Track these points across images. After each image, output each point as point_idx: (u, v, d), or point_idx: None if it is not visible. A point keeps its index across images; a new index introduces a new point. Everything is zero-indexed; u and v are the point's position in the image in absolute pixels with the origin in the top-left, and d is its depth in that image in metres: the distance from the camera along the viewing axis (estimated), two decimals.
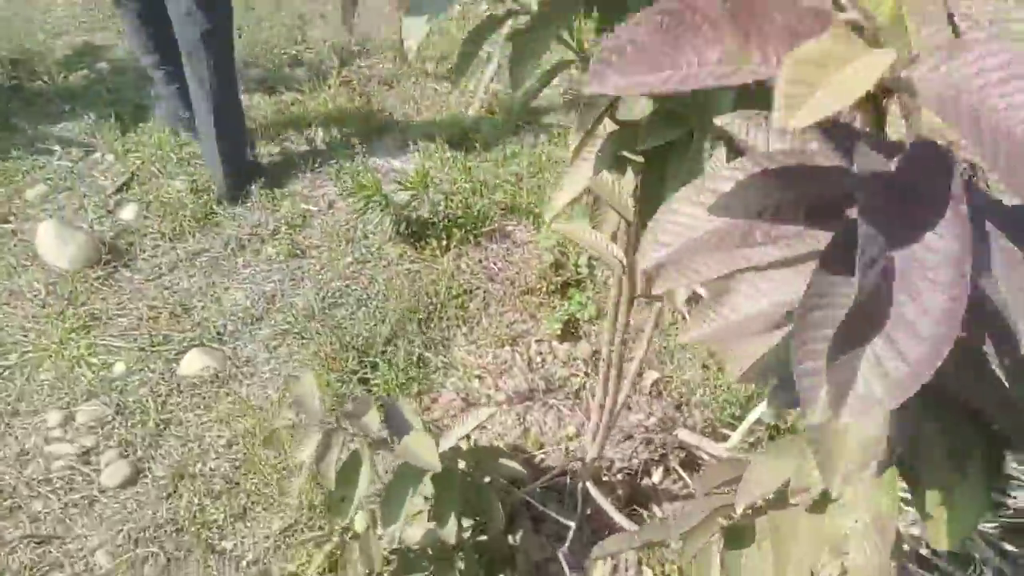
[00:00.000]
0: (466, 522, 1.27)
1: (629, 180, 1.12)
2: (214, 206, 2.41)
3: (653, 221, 0.45)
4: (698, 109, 0.78)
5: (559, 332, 2.01)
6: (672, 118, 0.83)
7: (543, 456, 1.68)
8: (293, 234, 2.35)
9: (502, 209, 2.45)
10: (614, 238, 1.20)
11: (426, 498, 1.19)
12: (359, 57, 3.32)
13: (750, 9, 0.32)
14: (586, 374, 1.90)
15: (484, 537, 1.36)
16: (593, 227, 1.23)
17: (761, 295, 0.52)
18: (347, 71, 3.25)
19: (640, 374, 1.74)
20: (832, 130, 0.41)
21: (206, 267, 2.21)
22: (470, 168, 2.58)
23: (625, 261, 1.16)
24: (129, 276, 2.16)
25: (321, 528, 1.45)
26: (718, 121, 0.52)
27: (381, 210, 2.29)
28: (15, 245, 2.20)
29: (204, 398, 1.83)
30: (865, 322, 0.32)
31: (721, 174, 0.43)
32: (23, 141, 2.63)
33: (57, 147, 2.62)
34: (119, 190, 2.45)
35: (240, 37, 3.47)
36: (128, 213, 2.36)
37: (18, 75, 3.03)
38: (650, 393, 1.82)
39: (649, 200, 0.90)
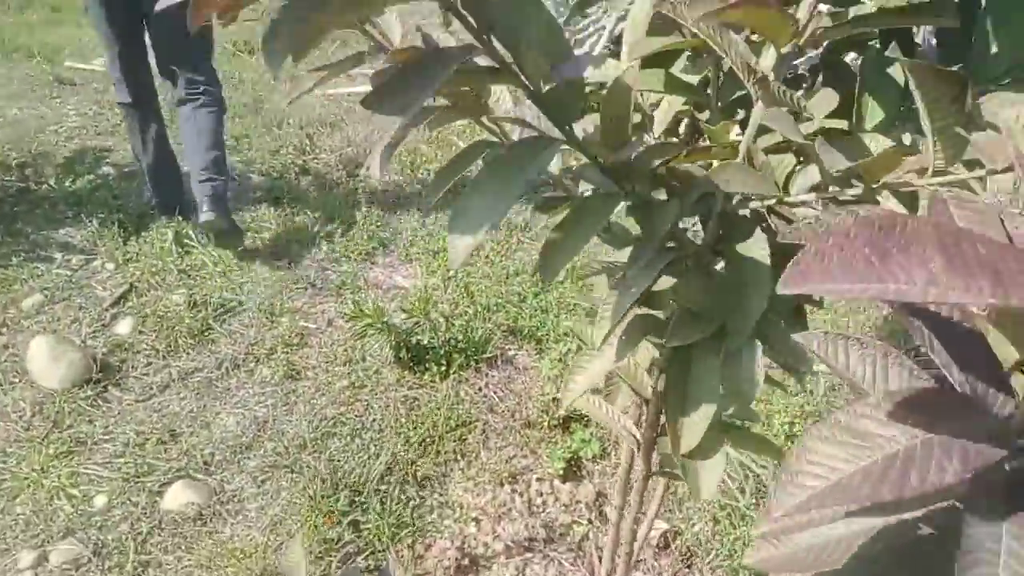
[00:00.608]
0: None
1: (645, 356, 1.09)
2: (211, 321, 2.38)
3: (787, 466, 0.42)
4: (731, 312, 0.76)
5: (561, 471, 1.94)
6: (701, 317, 0.81)
7: None
8: (290, 354, 2.30)
9: (504, 331, 2.43)
10: (626, 410, 1.17)
11: None
12: (366, 168, 3.37)
13: (956, 240, 0.34)
14: (589, 521, 1.82)
15: None
16: (606, 397, 1.20)
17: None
18: (353, 182, 3.30)
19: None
20: None
21: (198, 387, 2.15)
22: (472, 291, 2.57)
23: (640, 438, 1.12)
24: (119, 396, 2.09)
25: None
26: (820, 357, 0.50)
27: (381, 334, 2.26)
28: (5, 360, 2.14)
29: (186, 538, 1.73)
30: None
31: (863, 412, 0.41)
32: (25, 247, 2.62)
33: (58, 254, 2.61)
34: (116, 303, 2.41)
35: (250, 145, 3.55)
36: (123, 327, 2.32)
37: (26, 178, 3.06)
38: (657, 546, 1.74)
39: (674, 393, 0.86)
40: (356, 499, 1.82)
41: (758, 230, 0.73)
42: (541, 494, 1.91)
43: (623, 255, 0.91)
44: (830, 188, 0.70)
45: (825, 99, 0.75)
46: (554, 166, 0.87)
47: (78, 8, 5.54)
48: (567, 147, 0.66)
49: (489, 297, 2.56)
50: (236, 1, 0.47)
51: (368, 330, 2.28)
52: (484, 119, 0.76)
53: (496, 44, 0.57)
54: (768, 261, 0.71)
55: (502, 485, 1.92)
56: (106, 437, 1.97)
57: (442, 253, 2.84)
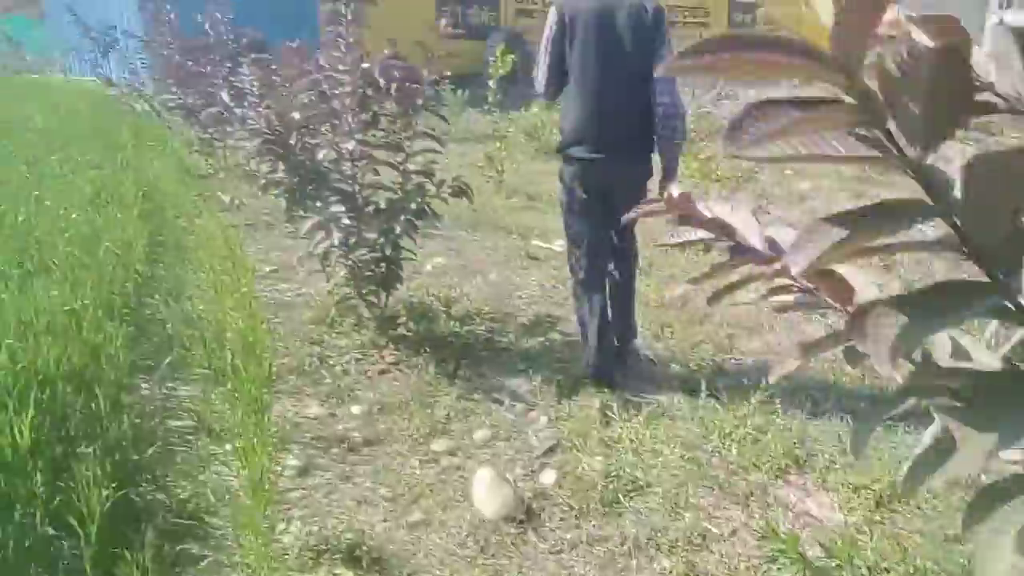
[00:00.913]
0: None
1: None
2: (621, 495, 2.48)
3: None
4: None
5: None
6: None
7: None
8: (690, 553, 2.24)
9: None
10: None
11: None
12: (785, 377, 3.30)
13: None
14: None
15: None
16: None
17: None
18: (765, 395, 3.24)
19: None
20: None
21: (602, 558, 2.22)
22: (905, 545, 2.23)
23: None
24: (535, 541, 2.27)
25: None
26: None
27: (794, 565, 2.08)
28: (456, 479, 2.51)
29: None
30: None
31: None
32: (484, 386, 3.12)
33: (507, 399, 3.05)
34: (545, 453, 2.69)
35: (673, 335, 3.77)
36: (547, 478, 2.55)
37: (493, 330, 3.70)
38: None
39: None
40: None
41: None
42: None
43: None
44: None
45: None
46: None
47: (548, 200, 6.79)
48: None
49: (925, 559, 2.19)
50: None
51: (780, 556, 2.12)
52: None
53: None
54: None
55: None
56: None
57: (865, 490, 2.56)
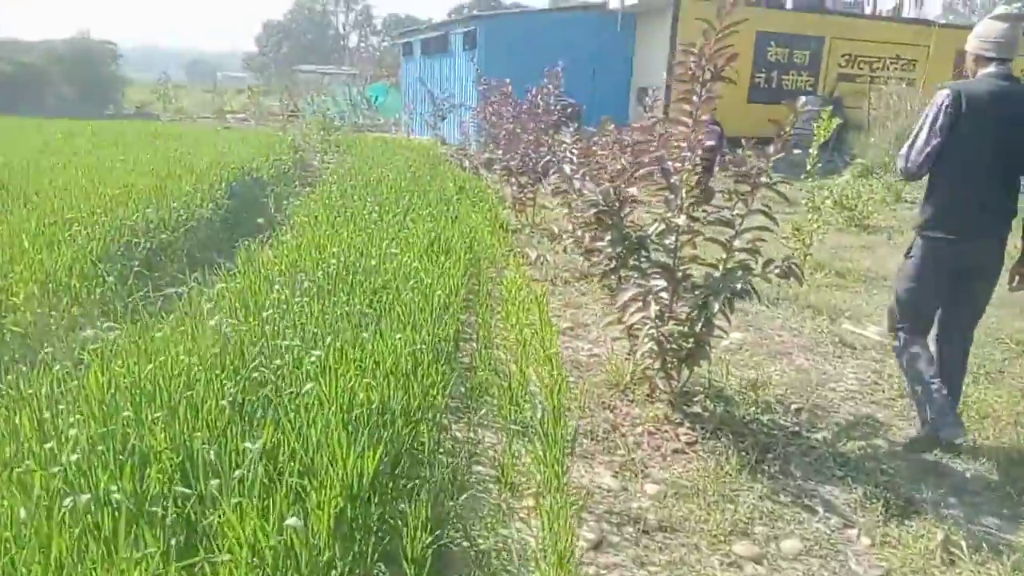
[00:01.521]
0: None
1: None
2: None
3: None
4: None
5: None
6: None
7: None
8: None
9: None
10: None
11: None
12: None
13: None
14: None
15: None
16: None
17: None
18: None
19: None
20: None
21: None
22: None
23: None
24: None
25: None
26: None
27: None
28: None
29: None
30: None
31: None
32: (793, 488, 2.81)
33: (820, 508, 2.70)
34: None
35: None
36: None
37: (799, 424, 3.35)
38: None
39: None
40: None
41: None
42: None
43: None
44: None
45: None
46: None
47: (860, 278, 6.10)
48: None
49: None
50: None
51: None
52: None
53: None
54: None
55: None
56: None
57: None
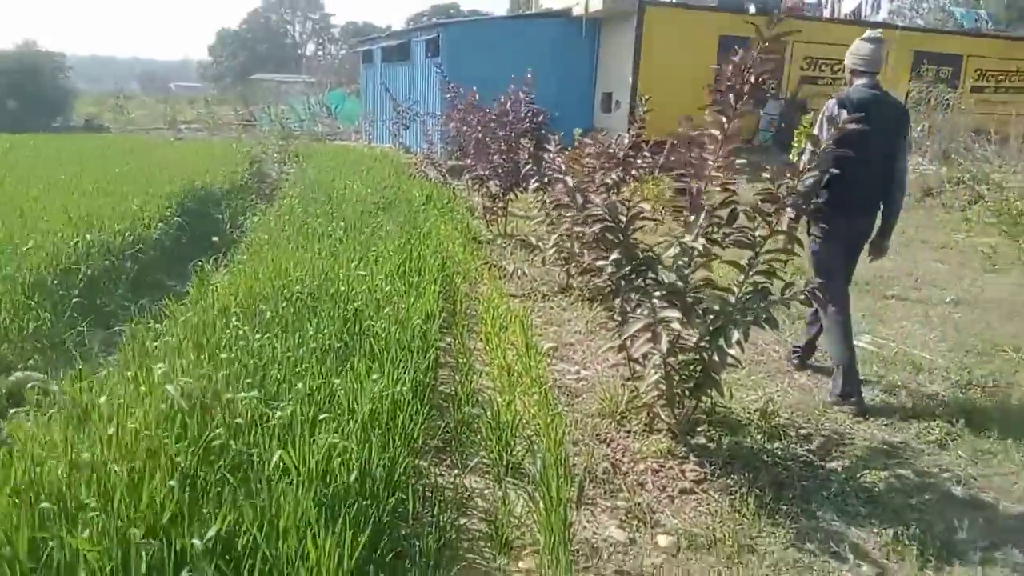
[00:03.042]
0: None
1: None
2: None
3: None
4: None
5: None
6: None
7: None
8: None
9: None
10: None
11: None
12: None
13: None
14: None
15: None
16: None
17: None
18: None
19: None
20: None
21: None
22: None
23: None
24: None
25: None
26: None
27: None
28: None
29: None
30: None
31: None
32: (817, 532, 2.54)
33: (850, 555, 2.43)
34: None
35: None
36: None
37: (812, 452, 3.09)
38: None
39: None
40: None
41: None
42: None
43: None
44: None
45: None
46: None
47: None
48: None
49: None
50: None
51: None
52: None
53: None
54: None
55: None
56: None
57: None
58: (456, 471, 2.77)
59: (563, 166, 3.74)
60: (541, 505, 2.37)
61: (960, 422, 3.31)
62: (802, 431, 3.30)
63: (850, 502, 2.73)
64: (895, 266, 6.38)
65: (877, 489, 2.81)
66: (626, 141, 5.28)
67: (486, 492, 2.72)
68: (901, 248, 7.18)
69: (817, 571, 2.36)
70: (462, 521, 2.52)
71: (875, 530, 2.55)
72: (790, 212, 3.17)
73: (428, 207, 7.60)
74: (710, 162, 2.76)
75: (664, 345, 2.52)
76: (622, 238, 2.65)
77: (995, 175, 8.84)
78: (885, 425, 3.38)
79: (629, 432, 3.26)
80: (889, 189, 3.57)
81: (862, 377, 3.63)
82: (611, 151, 5.13)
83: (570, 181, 2.95)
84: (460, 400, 3.27)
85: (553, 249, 4.80)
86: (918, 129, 10.75)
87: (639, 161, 4.85)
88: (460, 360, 3.73)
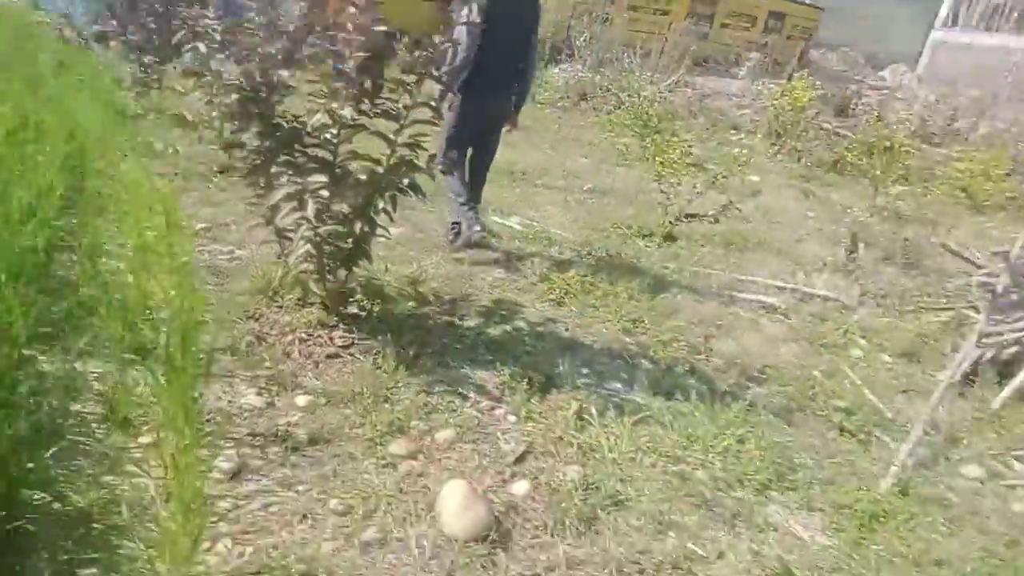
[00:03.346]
0: None
1: None
2: (600, 510, 2.23)
3: None
4: None
5: None
6: None
7: None
8: None
9: None
10: None
11: None
12: None
13: None
14: None
15: None
16: None
17: None
18: (748, 397, 3.05)
19: None
20: None
21: None
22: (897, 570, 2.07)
23: None
24: (505, 563, 1.99)
25: None
26: None
27: None
28: (417, 490, 2.21)
29: None
30: None
31: None
32: (448, 379, 2.82)
33: (472, 393, 2.75)
34: (517, 460, 2.42)
35: (644, 330, 3.53)
36: (519, 488, 2.28)
37: (454, 314, 3.39)
38: None
39: None
40: None
41: None
42: None
43: None
44: None
45: None
46: None
47: (507, 172, 6.44)
48: None
49: None
50: None
51: None
52: None
53: None
54: None
55: None
56: None
57: (846, 510, 2.41)
58: (67, 359, 2.49)
59: (218, 35, 3.33)
60: (164, 381, 2.25)
61: (576, 284, 3.89)
62: (447, 297, 3.58)
63: (479, 352, 3.07)
64: (548, 159, 7.11)
65: (502, 340, 3.19)
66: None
67: (107, 376, 2.50)
68: (556, 144, 8.00)
69: (443, 409, 2.63)
70: (74, 408, 2.29)
71: (495, 372, 2.91)
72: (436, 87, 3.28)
73: (61, 73, 6.37)
74: (352, 28, 2.70)
75: (311, 211, 2.49)
76: (261, 109, 2.49)
77: (635, 84, 10.21)
78: (517, 289, 3.82)
79: (281, 307, 3.22)
80: (523, 73, 4.15)
81: (510, 250, 4.05)
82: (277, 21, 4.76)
83: (202, 47, 2.65)
84: (79, 284, 2.90)
85: (209, 127, 4.38)
86: (581, 39, 11.86)
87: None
88: (85, 241, 3.29)
